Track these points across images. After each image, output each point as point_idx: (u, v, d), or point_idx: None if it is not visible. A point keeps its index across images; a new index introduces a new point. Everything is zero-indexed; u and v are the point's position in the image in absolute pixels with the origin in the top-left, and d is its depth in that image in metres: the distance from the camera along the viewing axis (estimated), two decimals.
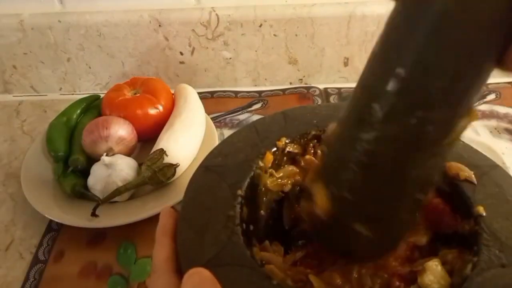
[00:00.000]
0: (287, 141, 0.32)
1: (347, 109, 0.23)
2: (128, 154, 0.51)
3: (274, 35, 0.65)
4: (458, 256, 0.26)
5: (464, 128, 0.20)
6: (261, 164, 0.30)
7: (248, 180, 0.29)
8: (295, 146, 0.33)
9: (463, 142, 0.31)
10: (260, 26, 0.64)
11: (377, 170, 0.22)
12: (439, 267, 0.24)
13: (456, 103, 0.19)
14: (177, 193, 0.47)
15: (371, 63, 0.21)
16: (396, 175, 0.22)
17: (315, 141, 0.33)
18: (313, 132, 0.33)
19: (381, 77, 0.20)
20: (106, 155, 0.47)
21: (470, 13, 0.17)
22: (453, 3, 0.17)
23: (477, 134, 0.57)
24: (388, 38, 0.20)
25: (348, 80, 0.69)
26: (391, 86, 0.20)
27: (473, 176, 0.29)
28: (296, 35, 0.65)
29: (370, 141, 0.21)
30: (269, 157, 0.31)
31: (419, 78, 0.19)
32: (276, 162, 0.32)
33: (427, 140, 0.20)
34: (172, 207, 0.29)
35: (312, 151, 0.33)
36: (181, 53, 0.67)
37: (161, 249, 0.26)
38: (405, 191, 0.23)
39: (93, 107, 0.59)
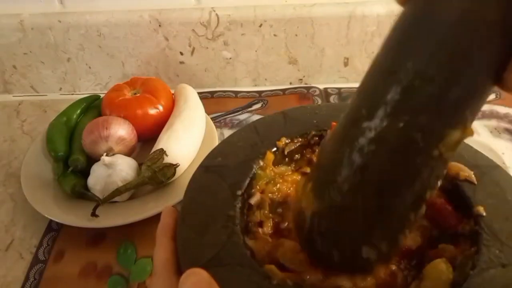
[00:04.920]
0: (287, 141, 0.32)
1: (343, 114, 0.23)
2: (128, 154, 0.51)
3: (274, 35, 0.65)
4: (459, 252, 0.25)
5: (456, 142, 0.20)
6: (261, 163, 0.30)
7: (248, 180, 0.29)
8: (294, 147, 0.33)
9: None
10: (260, 26, 0.64)
11: (367, 175, 0.22)
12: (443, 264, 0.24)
13: (445, 113, 0.19)
14: (177, 193, 0.47)
15: (369, 68, 0.21)
16: (386, 184, 0.21)
17: (317, 138, 0.33)
18: (313, 132, 0.33)
19: (374, 79, 0.21)
20: (106, 155, 0.47)
21: (468, 28, 0.17)
22: (456, 15, 0.18)
23: (477, 134, 0.57)
24: (389, 43, 0.20)
25: (348, 80, 0.69)
26: (380, 88, 0.20)
27: (473, 176, 0.29)
28: (296, 35, 0.65)
29: (362, 141, 0.21)
30: (270, 157, 0.31)
31: (407, 81, 0.19)
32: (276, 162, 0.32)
33: (415, 148, 0.20)
34: (172, 207, 0.29)
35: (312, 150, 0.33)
36: (181, 53, 0.67)
37: (161, 250, 0.26)
38: (395, 204, 0.22)
39: (93, 107, 0.59)
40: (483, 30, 0.17)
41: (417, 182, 0.21)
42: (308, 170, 0.33)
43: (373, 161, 0.21)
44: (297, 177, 0.32)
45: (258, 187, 0.30)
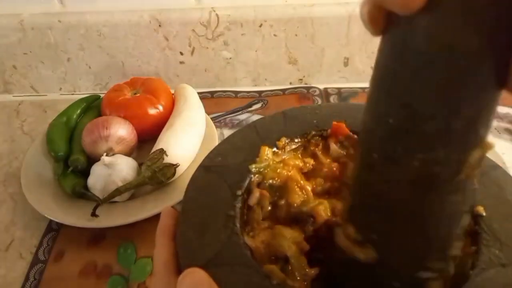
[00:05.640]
0: (287, 141, 0.32)
1: (358, 152, 0.23)
2: (128, 154, 0.51)
3: (274, 35, 0.65)
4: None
5: (478, 160, 0.19)
6: (257, 159, 0.30)
7: (248, 179, 0.29)
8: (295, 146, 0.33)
9: None
10: (260, 26, 0.64)
11: (394, 215, 0.21)
12: None
13: (459, 140, 0.18)
14: (177, 193, 0.47)
15: (367, 106, 0.21)
16: (414, 221, 0.21)
17: (320, 138, 0.33)
18: (313, 132, 0.33)
19: (375, 122, 0.20)
20: (106, 155, 0.47)
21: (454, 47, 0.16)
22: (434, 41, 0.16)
23: None
24: (376, 81, 0.20)
25: (348, 80, 0.69)
26: (384, 132, 0.19)
27: None
28: (296, 35, 0.65)
29: (381, 185, 0.21)
30: (264, 150, 0.31)
31: (409, 121, 0.18)
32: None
33: (439, 180, 0.19)
34: (172, 207, 0.29)
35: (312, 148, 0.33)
36: (181, 53, 0.67)
37: (161, 251, 0.26)
38: (428, 242, 0.22)
39: (93, 107, 0.59)
40: (470, 58, 0.16)
41: (447, 213, 0.21)
42: (310, 161, 0.32)
43: (400, 205, 0.21)
44: (299, 162, 0.32)
45: (256, 179, 0.30)
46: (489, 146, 0.19)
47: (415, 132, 0.18)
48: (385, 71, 0.19)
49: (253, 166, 0.30)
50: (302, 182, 0.30)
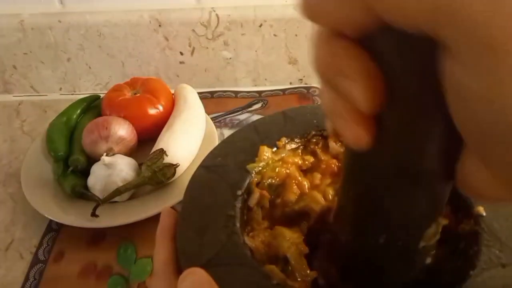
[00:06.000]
0: (287, 141, 0.32)
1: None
2: (128, 154, 0.51)
3: (274, 35, 0.65)
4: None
5: (433, 234, 0.21)
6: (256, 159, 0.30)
7: (248, 179, 0.29)
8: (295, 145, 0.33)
9: None
10: (260, 26, 0.64)
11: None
12: None
13: (413, 225, 0.21)
14: (177, 193, 0.47)
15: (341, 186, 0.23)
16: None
17: (320, 137, 0.33)
18: (313, 132, 0.33)
19: (347, 200, 0.23)
20: (106, 155, 0.47)
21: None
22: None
23: None
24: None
25: None
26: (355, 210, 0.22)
27: None
28: (296, 35, 0.65)
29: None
30: (263, 149, 0.31)
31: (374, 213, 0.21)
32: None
33: (402, 248, 0.22)
34: (172, 207, 0.29)
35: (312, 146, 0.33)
36: (181, 53, 0.67)
37: (161, 251, 0.26)
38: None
39: (93, 107, 0.59)
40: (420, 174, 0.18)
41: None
42: (310, 158, 0.32)
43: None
44: (298, 159, 0.32)
45: (255, 179, 0.30)
46: (443, 221, 0.21)
47: (381, 219, 0.21)
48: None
49: (251, 166, 0.30)
50: (300, 178, 0.30)
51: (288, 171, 0.31)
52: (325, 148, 0.33)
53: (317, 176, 0.31)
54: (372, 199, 0.20)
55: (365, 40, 0.14)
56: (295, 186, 0.30)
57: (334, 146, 0.32)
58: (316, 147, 0.33)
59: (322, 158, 0.32)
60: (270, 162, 0.31)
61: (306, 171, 0.32)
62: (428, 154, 0.17)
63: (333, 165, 0.32)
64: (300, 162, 0.32)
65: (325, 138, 0.33)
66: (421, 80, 0.14)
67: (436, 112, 0.14)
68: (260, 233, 0.28)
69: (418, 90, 0.14)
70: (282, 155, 0.31)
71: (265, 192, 0.30)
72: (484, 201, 0.19)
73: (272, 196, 0.30)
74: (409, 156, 0.17)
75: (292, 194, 0.30)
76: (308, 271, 0.26)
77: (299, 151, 0.33)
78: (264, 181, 0.30)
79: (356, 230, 0.23)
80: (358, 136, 0.15)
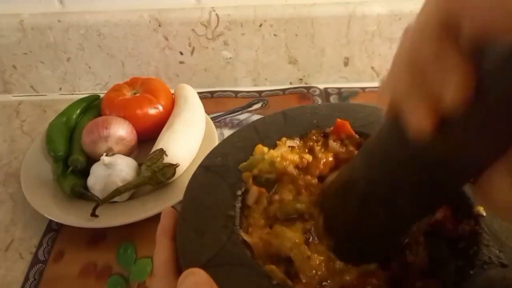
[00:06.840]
0: (287, 141, 0.32)
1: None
2: (128, 154, 0.51)
3: (274, 35, 0.65)
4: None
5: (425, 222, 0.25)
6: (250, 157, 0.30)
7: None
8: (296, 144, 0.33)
9: None
10: (260, 26, 0.64)
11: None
12: None
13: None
14: (177, 193, 0.47)
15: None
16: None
17: (319, 135, 0.33)
18: (313, 132, 0.33)
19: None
20: (106, 155, 0.47)
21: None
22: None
23: None
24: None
25: (348, 80, 0.69)
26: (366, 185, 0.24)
27: None
28: (296, 35, 0.65)
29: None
30: (260, 149, 0.31)
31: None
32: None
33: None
34: (172, 207, 0.29)
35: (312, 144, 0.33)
36: (181, 53, 0.67)
37: (161, 251, 0.26)
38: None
39: (93, 107, 0.59)
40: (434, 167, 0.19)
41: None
42: (309, 157, 0.32)
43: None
44: (296, 157, 0.32)
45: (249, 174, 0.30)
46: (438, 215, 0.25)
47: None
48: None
49: (243, 165, 0.30)
50: (296, 176, 0.30)
51: (285, 163, 0.31)
52: (325, 147, 0.33)
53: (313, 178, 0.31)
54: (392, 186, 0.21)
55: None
56: (291, 185, 0.30)
57: (333, 145, 0.32)
58: (315, 144, 0.33)
59: (319, 156, 0.32)
60: (267, 157, 0.30)
61: (303, 170, 0.32)
62: (467, 166, 0.18)
63: (330, 159, 0.31)
64: (298, 160, 0.32)
65: (326, 136, 0.33)
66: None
67: (502, 140, 0.16)
68: (259, 230, 0.28)
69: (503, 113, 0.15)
70: (282, 150, 0.31)
71: (263, 190, 0.29)
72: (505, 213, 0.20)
73: (271, 193, 0.30)
74: (456, 162, 0.18)
75: (288, 193, 0.29)
76: (314, 272, 0.25)
77: (298, 149, 0.33)
78: (262, 176, 0.30)
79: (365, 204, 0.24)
80: (423, 125, 0.16)
